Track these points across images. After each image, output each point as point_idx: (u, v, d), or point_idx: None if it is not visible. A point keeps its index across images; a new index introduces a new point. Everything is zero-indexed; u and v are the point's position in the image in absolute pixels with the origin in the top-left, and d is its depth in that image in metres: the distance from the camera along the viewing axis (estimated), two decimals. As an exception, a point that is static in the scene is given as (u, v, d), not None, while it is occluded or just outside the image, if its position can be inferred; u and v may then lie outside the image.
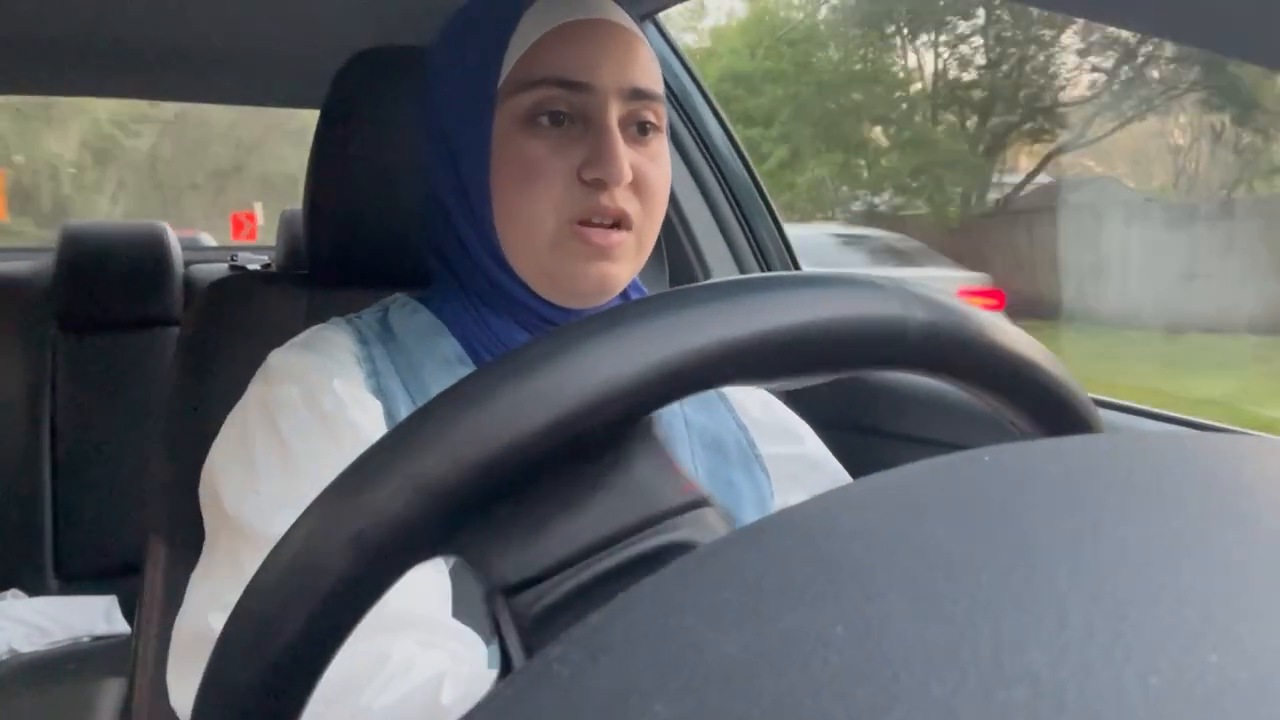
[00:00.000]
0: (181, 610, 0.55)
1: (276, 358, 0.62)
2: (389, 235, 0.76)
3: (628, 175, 0.59)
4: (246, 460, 0.57)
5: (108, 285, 1.82)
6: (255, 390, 0.61)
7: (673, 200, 1.29)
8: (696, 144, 1.30)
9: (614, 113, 0.60)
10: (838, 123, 10.65)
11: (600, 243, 0.60)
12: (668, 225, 1.30)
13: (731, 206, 1.31)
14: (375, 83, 0.77)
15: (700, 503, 0.31)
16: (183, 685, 0.53)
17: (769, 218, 1.32)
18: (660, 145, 0.64)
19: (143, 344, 1.85)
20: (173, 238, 1.93)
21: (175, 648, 0.54)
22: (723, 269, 1.30)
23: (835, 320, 0.28)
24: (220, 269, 2.13)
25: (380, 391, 0.61)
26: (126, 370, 1.82)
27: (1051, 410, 0.34)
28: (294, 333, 0.68)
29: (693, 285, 0.28)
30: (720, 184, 1.31)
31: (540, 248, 0.61)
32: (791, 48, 11.25)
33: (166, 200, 15.41)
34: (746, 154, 1.33)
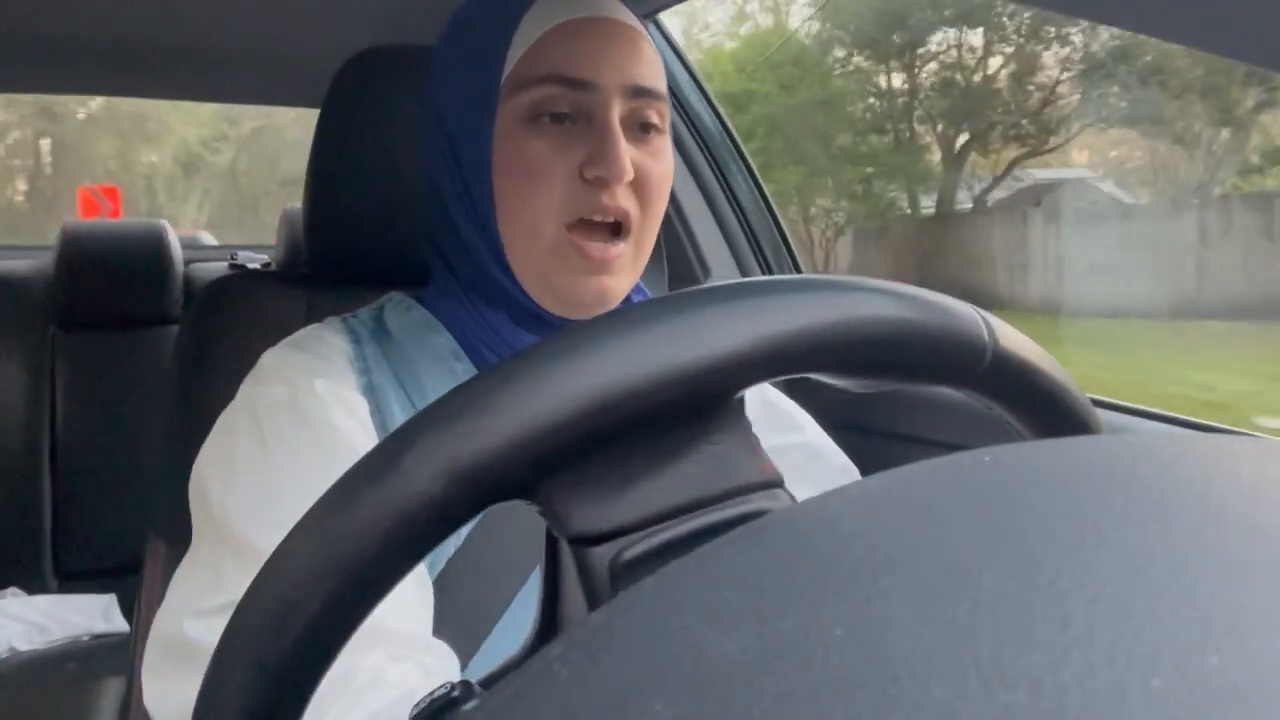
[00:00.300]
0: (160, 610, 0.54)
1: (268, 358, 0.62)
2: (388, 234, 0.76)
3: (629, 173, 0.59)
4: (230, 463, 0.57)
5: (108, 284, 1.82)
6: (245, 391, 0.61)
7: (673, 199, 1.29)
8: (697, 144, 1.30)
9: (616, 111, 0.60)
10: (804, 139, 12.04)
11: (599, 256, 0.60)
12: (668, 225, 1.30)
13: (732, 206, 1.31)
14: (375, 82, 0.76)
15: (777, 483, 0.32)
16: (155, 686, 0.53)
17: (769, 218, 1.32)
18: (662, 144, 0.64)
19: (142, 343, 1.85)
20: (173, 237, 1.93)
21: (150, 649, 0.54)
22: (723, 269, 1.30)
23: (927, 328, 0.30)
24: (220, 268, 2.13)
25: (371, 389, 0.61)
26: (126, 369, 1.82)
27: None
28: (293, 329, 0.68)
29: (799, 276, 0.30)
30: (720, 184, 1.31)
31: (539, 252, 0.61)
32: (774, 70, 12.42)
33: (244, 205, 17.75)
34: (747, 154, 1.33)
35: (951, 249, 10.52)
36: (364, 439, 0.58)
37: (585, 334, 0.27)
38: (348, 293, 0.78)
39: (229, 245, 2.58)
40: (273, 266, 2.20)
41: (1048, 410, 0.34)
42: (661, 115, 0.63)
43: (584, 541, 0.28)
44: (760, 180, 1.33)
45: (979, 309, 0.33)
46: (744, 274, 1.30)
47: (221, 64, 1.53)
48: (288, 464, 0.55)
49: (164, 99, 2.03)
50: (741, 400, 0.31)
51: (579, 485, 0.28)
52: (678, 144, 1.29)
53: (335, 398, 0.59)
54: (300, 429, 0.57)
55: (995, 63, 11.26)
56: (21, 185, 16.83)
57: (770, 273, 1.30)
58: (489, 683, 0.33)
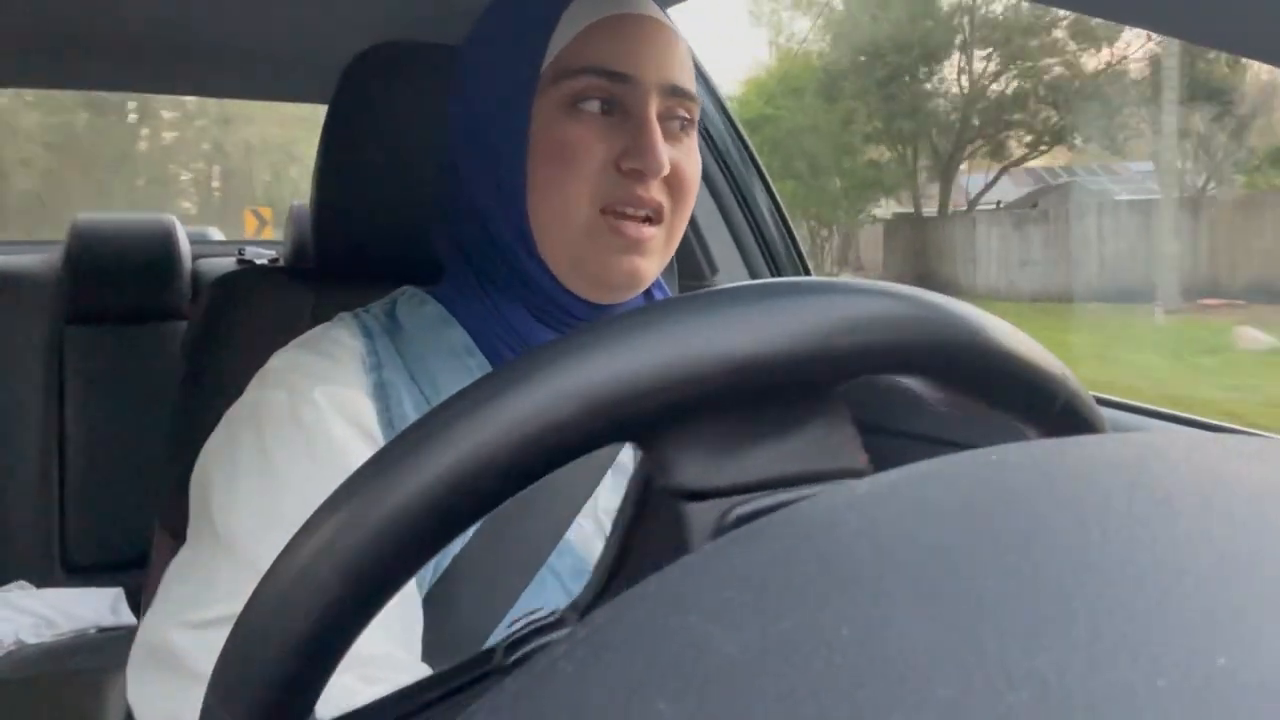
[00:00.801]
0: (151, 609, 0.54)
1: (276, 359, 0.62)
2: (396, 230, 0.76)
3: (666, 167, 0.60)
4: (232, 466, 0.57)
5: (116, 279, 1.83)
6: (250, 394, 0.61)
7: None
8: (706, 144, 1.30)
9: (654, 106, 0.61)
10: (795, 158, 14.30)
11: (633, 235, 0.61)
12: None
13: (740, 207, 1.30)
14: (383, 78, 0.77)
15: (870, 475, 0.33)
16: (138, 690, 0.52)
17: (778, 218, 1.32)
18: (693, 142, 0.65)
19: (151, 337, 1.85)
20: (181, 232, 1.93)
21: (138, 648, 0.54)
22: (730, 269, 1.30)
23: (1016, 360, 0.33)
24: (228, 263, 2.13)
25: (382, 387, 0.61)
26: (134, 363, 1.83)
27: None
28: (301, 327, 0.68)
29: (919, 291, 0.31)
30: (730, 184, 1.31)
31: (573, 234, 0.61)
32: (787, 98, 14.93)
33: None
34: (757, 156, 1.33)
35: (919, 247, 13.34)
36: (362, 449, 0.57)
37: (729, 296, 0.28)
38: (355, 289, 0.78)
39: (236, 240, 2.59)
40: (280, 262, 2.20)
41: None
42: (692, 115, 0.64)
43: (688, 496, 0.29)
44: (771, 184, 1.33)
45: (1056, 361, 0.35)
46: (752, 275, 1.30)
47: (230, 59, 1.53)
48: (286, 474, 0.55)
49: (172, 94, 2.03)
50: (844, 391, 0.32)
51: (696, 441, 0.29)
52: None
53: (336, 405, 0.59)
54: (299, 439, 0.57)
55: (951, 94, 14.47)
56: (187, 204, 22.02)
57: (779, 274, 1.30)
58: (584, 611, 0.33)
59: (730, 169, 1.30)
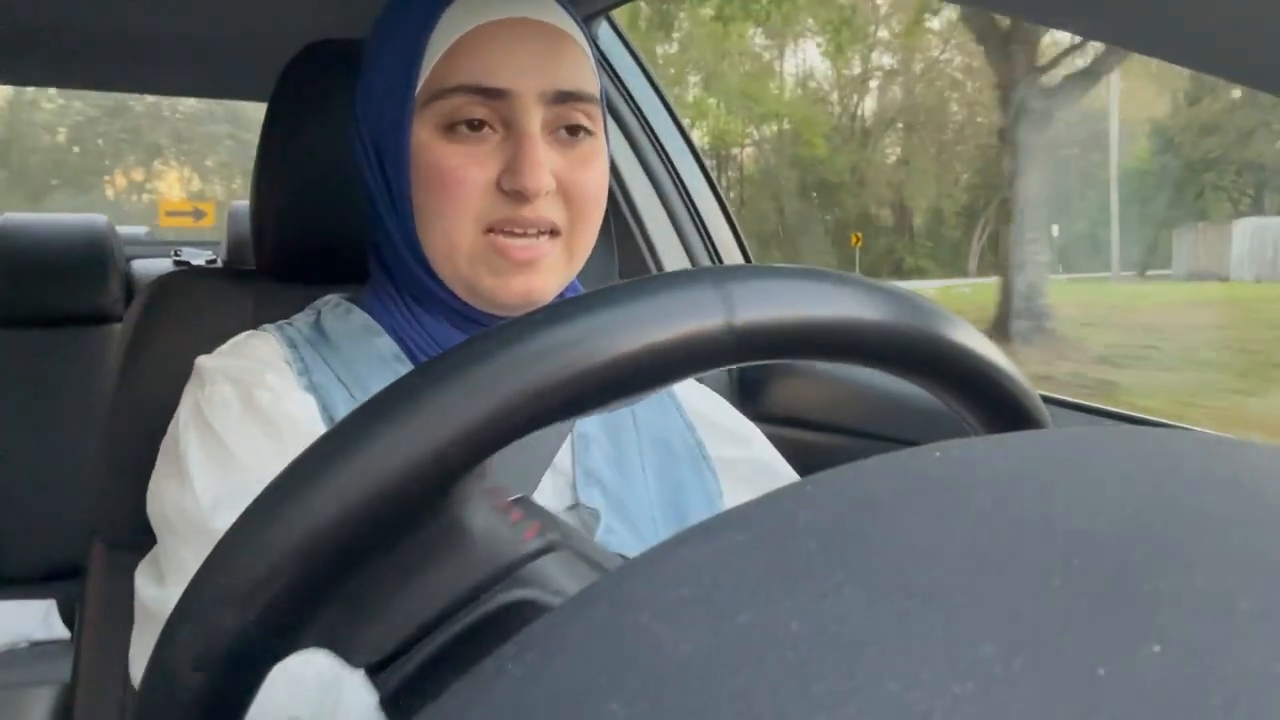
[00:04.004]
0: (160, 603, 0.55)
1: (206, 361, 0.62)
2: (336, 232, 0.75)
3: (546, 186, 0.57)
4: (182, 469, 0.56)
5: (44, 280, 1.77)
6: (189, 397, 0.60)
7: (625, 193, 1.29)
8: (648, 138, 1.31)
9: (535, 119, 0.58)
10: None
11: (522, 257, 0.59)
12: (620, 217, 1.30)
13: (683, 198, 1.31)
14: (323, 77, 0.75)
15: (546, 549, 0.30)
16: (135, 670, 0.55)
17: (720, 208, 1.34)
18: (593, 147, 0.61)
19: (83, 341, 1.80)
20: (114, 232, 1.88)
21: (135, 649, 0.56)
22: (674, 260, 1.31)
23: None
24: (164, 265, 2.08)
25: (315, 388, 0.60)
26: (65, 368, 1.77)
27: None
28: (239, 328, 0.67)
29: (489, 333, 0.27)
30: (672, 178, 1.31)
31: (461, 258, 0.60)
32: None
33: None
34: (699, 150, 1.34)
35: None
36: (321, 429, 0.57)
37: (292, 473, 0.25)
38: (295, 291, 0.76)
39: (171, 242, 2.53)
40: (219, 264, 2.16)
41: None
42: (591, 117, 0.60)
43: (372, 672, 0.27)
44: (709, 173, 1.34)
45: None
46: (694, 263, 1.31)
47: (171, 56, 1.49)
48: (249, 456, 0.55)
49: (112, 91, 1.98)
50: (484, 465, 0.28)
51: (348, 615, 0.27)
52: (629, 138, 1.29)
53: (286, 392, 0.58)
54: (255, 421, 0.56)
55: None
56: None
57: (720, 261, 1.31)
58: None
59: (671, 161, 1.31)
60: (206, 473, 0.55)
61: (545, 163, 0.57)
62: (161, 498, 0.57)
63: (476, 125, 0.58)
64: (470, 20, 0.58)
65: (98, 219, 1.88)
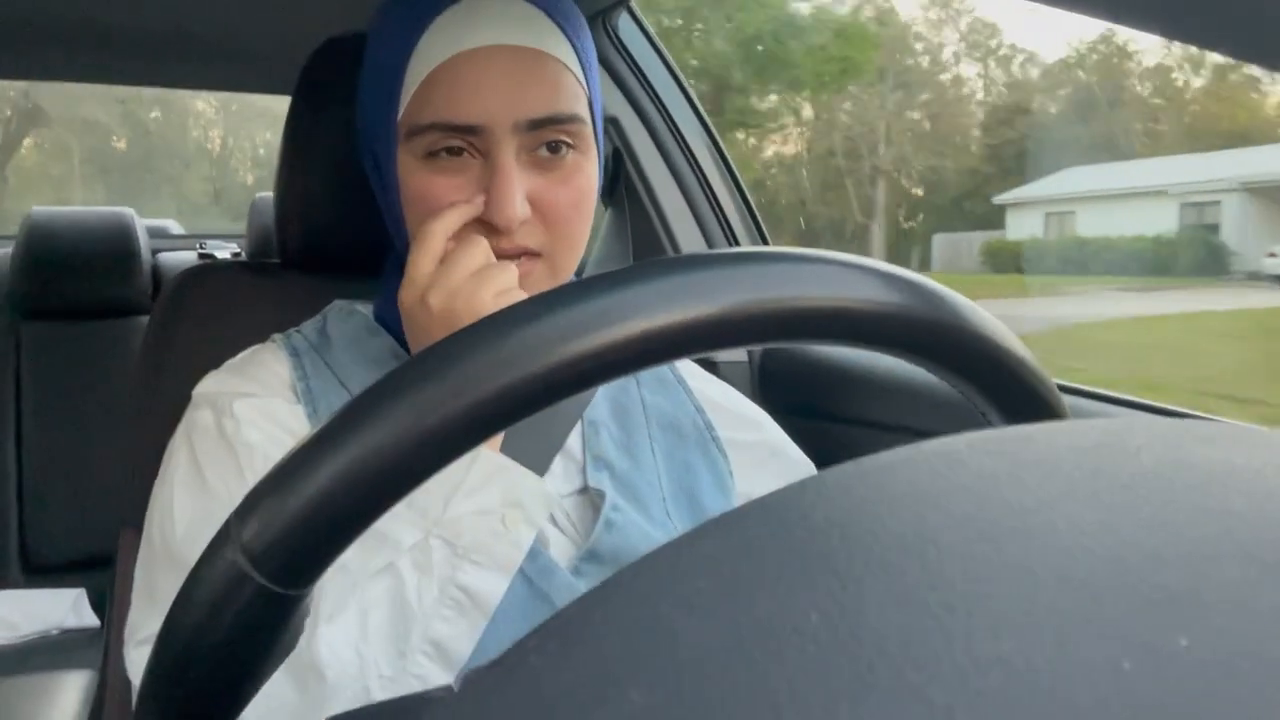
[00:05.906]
0: (127, 623, 0.60)
1: (205, 383, 0.65)
2: (358, 224, 0.76)
3: (520, 217, 0.57)
4: (167, 491, 0.60)
5: (73, 273, 1.79)
6: (185, 417, 0.64)
7: (642, 178, 1.29)
8: (666, 125, 1.30)
9: (508, 150, 0.58)
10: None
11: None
12: (636, 204, 1.30)
13: (700, 184, 1.31)
14: (344, 71, 0.76)
15: None
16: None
17: (738, 196, 1.33)
18: (577, 162, 0.61)
19: (110, 333, 1.82)
20: (140, 225, 1.90)
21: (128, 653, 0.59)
22: (692, 245, 1.31)
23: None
24: (189, 257, 2.10)
25: (309, 394, 0.63)
26: (94, 359, 1.80)
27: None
28: (264, 321, 0.68)
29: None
30: (689, 163, 1.31)
31: None
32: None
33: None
34: (718, 137, 1.33)
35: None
36: (282, 448, 0.59)
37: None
38: (318, 282, 0.77)
39: (197, 234, 2.55)
40: (243, 256, 2.17)
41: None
42: (573, 134, 0.60)
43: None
44: (730, 161, 1.33)
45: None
46: (710, 246, 1.30)
47: (194, 51, 1.50)
48: (218, 482, 0.59)
49: (134, 85, 1.99)
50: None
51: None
52: (647, 125, 1.29)
53: (255, 413, 0.61)
54: (222, 451, 0.60)
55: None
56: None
57: (736, 244, 1.30)
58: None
59: (689, 148, 1.30)
60: (186, 496, 0.59)
61: (518, 193, 0.57)
62: (152, 511, 0.61)
63: (457, 151, 0.58)
64: (444, 51, 0.58)
65: (124, 212, 1.90)
